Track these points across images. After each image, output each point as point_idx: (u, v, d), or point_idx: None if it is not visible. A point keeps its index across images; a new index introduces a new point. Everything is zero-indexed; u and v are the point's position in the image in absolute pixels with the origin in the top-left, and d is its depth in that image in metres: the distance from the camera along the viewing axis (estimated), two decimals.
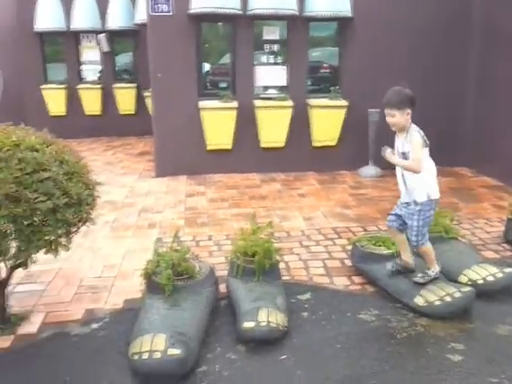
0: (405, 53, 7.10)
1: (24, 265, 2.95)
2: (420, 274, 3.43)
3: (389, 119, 3.22)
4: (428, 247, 3.41)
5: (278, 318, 3.04)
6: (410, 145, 3.18)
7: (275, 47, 7.28)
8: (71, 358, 2.90)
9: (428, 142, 3.21)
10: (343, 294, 3.61)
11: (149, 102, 8.87)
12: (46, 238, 2.96)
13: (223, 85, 7.35)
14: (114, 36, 10.24)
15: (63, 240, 3.09)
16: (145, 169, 7.35)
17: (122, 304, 3.43)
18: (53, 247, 3.02)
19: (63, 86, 10.09)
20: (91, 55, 10.45)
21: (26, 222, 2.85)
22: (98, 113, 10.19)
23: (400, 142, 3.29)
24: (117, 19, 9.96)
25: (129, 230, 4.84)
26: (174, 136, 6.94)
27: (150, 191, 6.15)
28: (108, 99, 10.24)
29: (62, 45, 10.22)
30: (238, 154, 7.06)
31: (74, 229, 3.17)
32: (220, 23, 7.46)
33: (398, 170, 3.38)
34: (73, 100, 10.14)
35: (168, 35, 6.84)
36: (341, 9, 6.95)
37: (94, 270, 3.97)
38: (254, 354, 2.89)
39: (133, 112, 10.26)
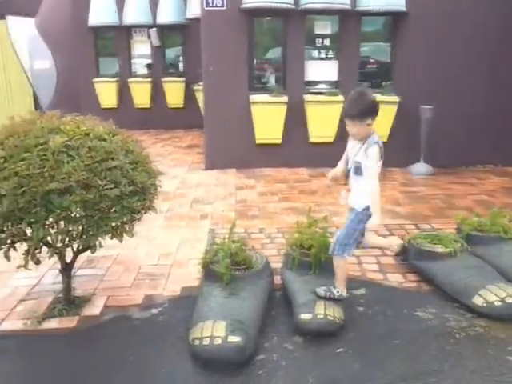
0: (462, 49, 6.91)
1: (92, 249, 3.07)
2: (324, 288, 3.16)
3: (348, 128, 3.01)
4: (340, 263, 3.14)
5: (334, 311, 3.05)
6: (366, 156, 2.95)
7: (326, 42, 7.24)
8: (133, 340, 3.01)
9: (383, 155, 3.00)
10: (398, 290, 3.58)
11: (199, 95, 9.01)
12: (113, 224, 3.08)
13: (273, 79, 7.38)
14: (164, 30, 10.43)
15: (127, 226, 3.20)
16: (194, 161, 7.47)
17: (179, 291, 3.52)
18: (118, 233, 3.14)
19: (115, 79, 10.37)
20: (142, 49, 10.69)
21: (95, 208, 2.98)
22: (147, 106, 10.42)
23: (355, 149, 3.05)
24: (168, 14, 10.14)
25: (182, 221, 4.95)
26: (224, 129, 7.02)
27: (200, 183, 6.26)
28: (157, 92, 10.46)
29: (115, 39, 10.50)
30: (286, 148, 7.07)
31: (138, 216, 3.28)
32: (272, 18, 7.49)
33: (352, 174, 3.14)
34: (123, 93, 10.41)
35: (221, 29, 6.91)
36: (395, 3, 6.85)
37: (150, 257, 4.09)
38: (311, 346, 2.92)
39: (181, 105, 10.43)
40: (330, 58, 7.26)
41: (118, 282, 3.67)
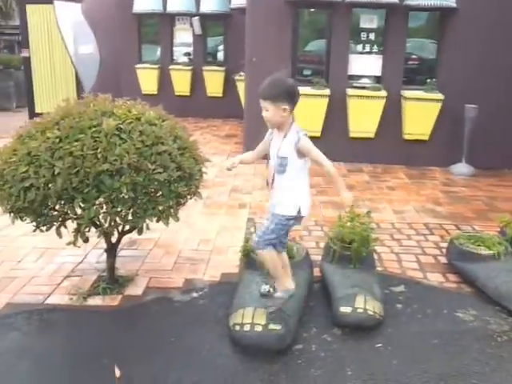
0: None
1: (140, 231, 3.15)
2: (266, 286, 3.01)
3: (263, 113, 2.71)
4: (268, 254, 2.80)
5: (374, 306, 3.05)
6: (295, 149, 2.66)
7: (371, 36, 7.14)
8: (174, 321, 3.08)
9: None
10: (438, 290, 3.54)
11: (239, 85, 9.04)
12: (160, 207, 3.15)
13: (315, 72, 7.35)
14: (207, 19, 10.48)
15: (173, 211, 3.27)
16: (232, 151, 7.52)
17: (219, 277, 3.58)
18: (164, 216, 3.20)
19: (156, 66, 10.50)
20: (184, 37, 10.78)
21: (143, 191, 3.05)
22: (187, 94, 10.52)
23: (277, 143, 2.74)
24: (211, 3, 10.19)
25: (221, 209, 5.01)
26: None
27: (238, 172, 6.28)
28: (197, 81, 10.54)
29: (157, 26, 10.62)
30: (325, 141, 6.96)
31: (183, 201, 3.34)
32: (317, 10, 7.44)
33: (271, 168, 2.85)
34: (164, 80, 10.53)
35: (265, 20, 6.91)
36: None
37: (190, 242, 4.16)
38: (350, 339, 2.93)
39: (220, 95, 10.50)
40: (375, 53, 7.17)
41: (159, 265, 3.76)
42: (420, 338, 2.97)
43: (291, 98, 2.64)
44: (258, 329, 2.77)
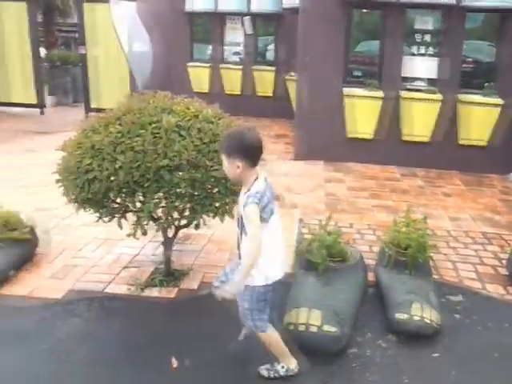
0: None
1: (197, 226, 3.19)
2: (267, 366, 2.60)
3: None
4: (265, 339, 2.52)
5: (431, 314, 2.96)
6: (244, 212, 2.31)
7: (426, 37, 6.96)
8: (228, 317, 3.07)
9: (271, 210, 2.35)
10: (499, 302, 3.41)
11: (290, 85, 9.02)
12: (217, 204, 3.18)
13: (367, 73, 7.24)
14: (258, 19, 10.51)
15: (228, 208, 3.28)
16: (282, 151, 7.51)
17: None
18: (220, 212, 3.23)
19: (207, 64, 10.62)
20: (234, 37, 10.85)
21: (201, 187, 3.08)
22: (238, 93, 10.57)
23: (240, 200, 2.40)
24: (262, 2, 10.20)
25: None
26: (315, 121, 6.98)
27: (288, 173, 6.29)
28: (247, 80, 10.58)
29: (209, 25, 10.74)
30: (377, 144, 6.91)
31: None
32: (371, 10, 7.32)
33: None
34: (215, 79, 10.63)
35: (318, 20, 6.85)
36: None
37: None
38: (405, 346, 2.86)
39: (270, 94, 10.49)
40: (430, 55, 6.97)
41: (213, 260, 3.80)
42: (480, 351, 2.86)
43: (247, 154, 2.29)
44: (313, 330, 2.75)
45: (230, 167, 2.34)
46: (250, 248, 2.28)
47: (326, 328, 2.75)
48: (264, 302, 2.46)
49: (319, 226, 3.63)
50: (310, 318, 2.80)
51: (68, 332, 2.90)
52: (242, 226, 2.39)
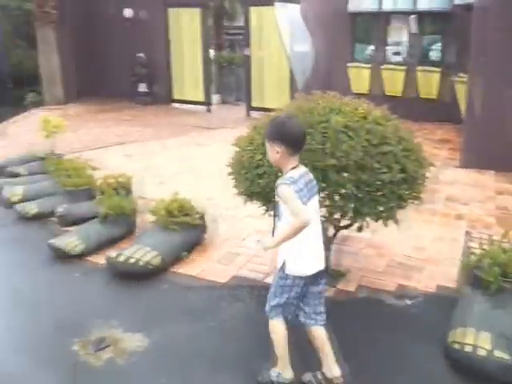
0: None
1: (361, 228, 3.16)
2: (263, 372, 2.51)
3: None
4: (275, 325, 2.44)
5: None
6: (280, 200, 2.32)
7: None
8: (385, 324, 3.04)
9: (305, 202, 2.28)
10: None
11: (458, 88, 8.42)
12: (381, 207, 3.10)
13: None
14: (424, 17, 9.99)
15: (393, 213, 3.18)
16: (446, 157, 7.04)
17: (434, 288, 3.40)
18: (384, 217, 3.14)
19: (368, 65, 10.42)
20: (397, 36, 10.48)
21: (366, 189, 3.03)
22: (398, 94, 10.18)
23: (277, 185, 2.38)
24: (430, 0, 9.67)
25: (434, 216, 4.72)
26: (489, 127, 6.39)
27: (454, 181, 5.86)
28: (409, 81, 10.13)
29: (371, 25, 10.52)
30: None
31: (404, 204, 3.23)
32: None
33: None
34: (375, 79, 10.39)
35: (497, 17, 6.23)
36: None
37: (402, 247, 4.02)
38: None
39: (434, 97, 9.90)
40: None
41: (370, 265, 3.73)
42: None
43: (285, 140, 2.34)
44: (482, 353, 2.54)
45: (270, 152, 2.41)
46: (294, 222, 2.23)
47: (498, 354, 2.52)
48: (287, 294, 2.42)
49: (489, 241, 3.34)
50: (478, 340, 2.59)
51: (232, 314, 3.11)
52: (276, 212, 2.45)
